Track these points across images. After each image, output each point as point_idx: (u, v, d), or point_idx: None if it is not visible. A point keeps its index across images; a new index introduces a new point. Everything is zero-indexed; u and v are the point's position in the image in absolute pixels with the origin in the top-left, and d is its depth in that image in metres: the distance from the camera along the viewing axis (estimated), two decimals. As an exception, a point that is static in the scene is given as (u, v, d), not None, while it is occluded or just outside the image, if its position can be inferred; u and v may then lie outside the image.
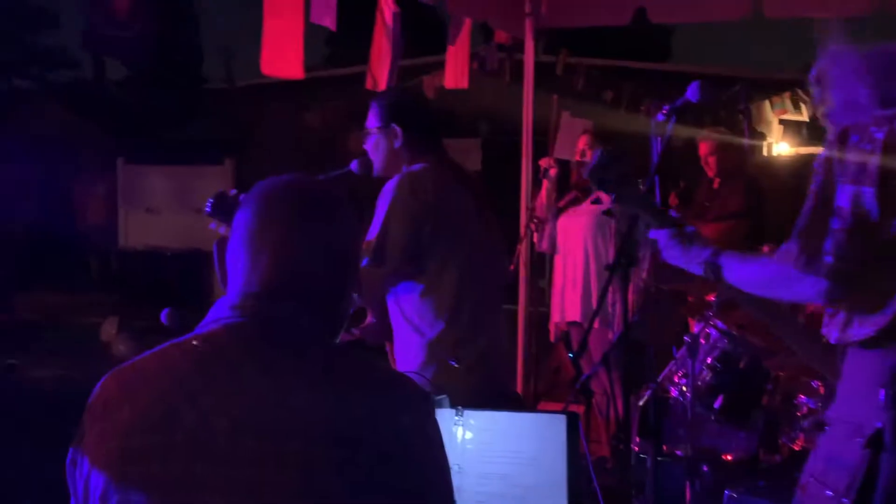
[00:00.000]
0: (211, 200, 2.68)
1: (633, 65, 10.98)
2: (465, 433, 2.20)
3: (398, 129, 2.85)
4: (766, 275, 1.98)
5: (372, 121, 2.93)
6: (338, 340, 1.42)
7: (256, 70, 3.99)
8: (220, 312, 1.32)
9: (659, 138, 2.49)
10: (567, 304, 4.75)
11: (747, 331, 3.33)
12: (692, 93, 2.35)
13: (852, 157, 1.84)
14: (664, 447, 3.42)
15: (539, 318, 5.25)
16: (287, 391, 1.23)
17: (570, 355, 5.26)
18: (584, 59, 7.90)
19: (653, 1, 4.58)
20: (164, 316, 2.55)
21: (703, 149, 5.04)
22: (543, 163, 4.74)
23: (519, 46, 5.60)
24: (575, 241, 4.57)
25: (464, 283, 2.84)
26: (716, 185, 5.02)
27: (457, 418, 2.21)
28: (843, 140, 1.87)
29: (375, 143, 2.92)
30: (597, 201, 4.54)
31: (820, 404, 3.04)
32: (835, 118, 1.92)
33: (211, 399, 1.23)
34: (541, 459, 2.16)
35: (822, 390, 3.04)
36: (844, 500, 1.88)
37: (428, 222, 2.76)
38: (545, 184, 4.69)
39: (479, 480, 2.15)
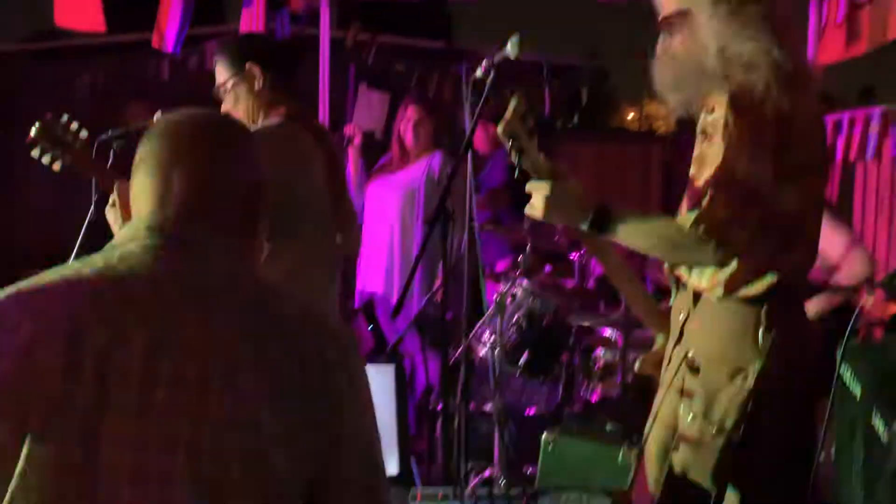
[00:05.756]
0: (38, 123, 2.47)
1: (421, 43, 11.13)
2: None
3: (256, 69, 2.72)
4: (665, 237, 2.02)
5: (222, 73, 2.75)
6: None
7: (14, 33, 3.70)
8: (134, 233, 1.25)
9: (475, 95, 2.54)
10: (370, 274, 4.76)
11: (550, 290, 3.49)
12: (512, 47, 2.41)
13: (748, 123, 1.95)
14: (472, 405, 3.52)
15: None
16: (207, 312, 1.18)
17: (370, 328, 5.30)
18: (375, 35, 7.92)
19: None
20: None
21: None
22: (348, 130, 4.70)
23: (312, 19, 5.55)
24: (382, 210, 4.57)
25: (304, 252, 2.77)
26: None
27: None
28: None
29: (234, 97, 2.75)
30: None
31: (617, 356, 3.24)
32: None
33: (125, 319, 1.15)
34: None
35: (619, 343, 3.24)
36: (732, 437, 2.03)
37: (279, 189, 2.67)
38: (350, 152, 4.67)
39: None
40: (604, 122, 6.66)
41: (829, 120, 4.37)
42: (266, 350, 1.18)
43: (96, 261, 1.23)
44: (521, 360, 3.33)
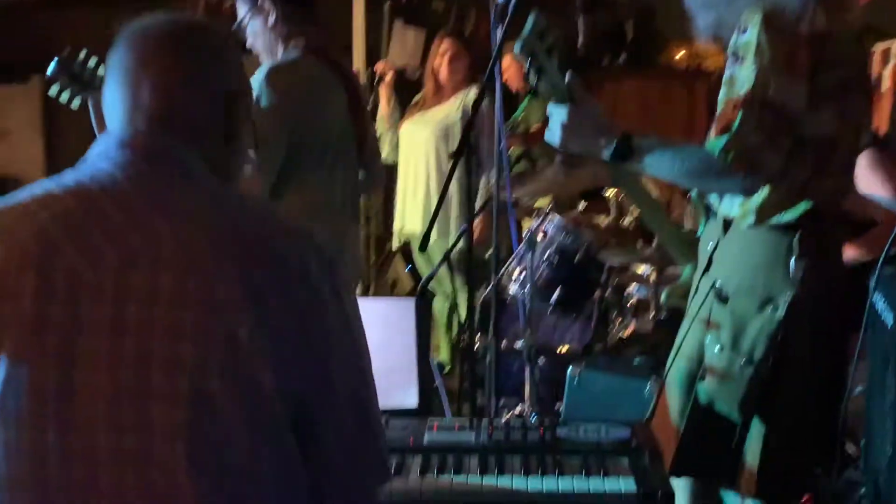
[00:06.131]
0: (56, 59, 2.46)
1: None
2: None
3: (267, 2, 2.67)
4: (693, 165, 1.93)
5: (240, 10, 2.72)
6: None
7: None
8: (104, 148, 1.21)
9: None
10: (407, 214, 4.72)
11: (583, 227, 3.42)
12: None
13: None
14: (504, 342, 3.48)
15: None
16: (180, 227, 1.14)
17: (408, 267, 5.27)
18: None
19: None
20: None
21: None
22: (379, 67, 4.63)
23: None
24: (417, 148, 4.50)
25: (323, 189, 2.74)
26: None
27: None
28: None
29: (252, 32, 2.73)
30: None
31: (651, 293, 3.18)
32: None
33: (96, 238, 1.12)
34: (391, 344, 2.15)
35: (651, 279, 3.17)
36: (760, 368, 1.98)
37: (297, 125, 2.65)
38: (382, 89, 4.60)
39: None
40: (651, 60, 6.49)
41: (878, 49, 4.19)
42: (244, 263, 1.14)
43: (66, 179, 1.20)
44: (553, 298, 3.27)
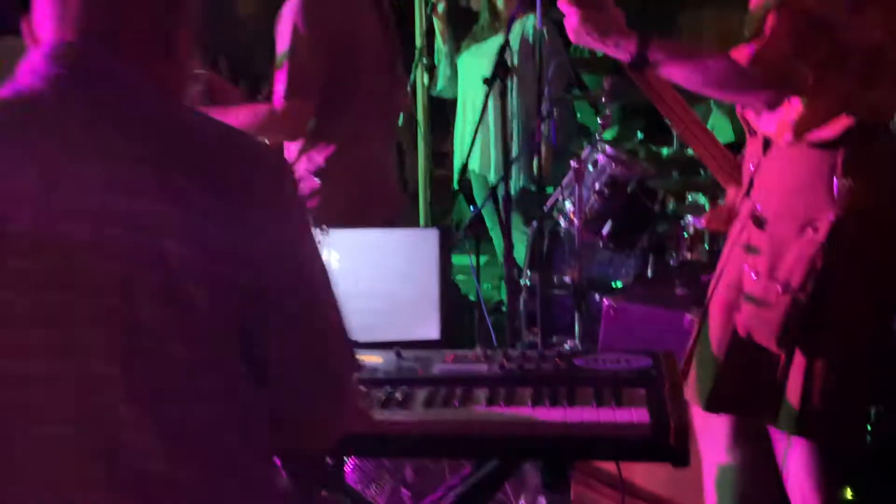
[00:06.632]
0: None
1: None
2: (330, 253, 2.10)
3: None
4: (716, 75, 1.84)
5: None
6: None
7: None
8: (33, 64, 1.15)
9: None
10: (467, 151, 4.62)
11: (635, 156, 3.28)
12: None
13: None
14: (554, 278, 3.40)
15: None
16: (107, 143, 1.08)
17: (471, 207, 5.19)
18: None
19: None
20: None
21: None
22: (433, -5, 4.50)
23: None
24: (475, 81, 4.37)
25: (359, 113, 2.68)
26: None
27: (321, 237, 2.11)
28: None
29: None
30: None
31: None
32: None
33: (18, 155, 1.08)
34: (413, 275, 2.10)
35: (707, 208, 3.03)
36: (799, 297, 1.85)
37: (332, 49, 2.59)
38: (437, 20, 4.48)
39: (347, 299, 2.05)
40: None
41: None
42: (173, 178, 1.07)
43: None
44: (605, 230, 3.16)
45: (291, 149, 2.75)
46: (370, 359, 1.82)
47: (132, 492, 1.05)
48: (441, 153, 5.61)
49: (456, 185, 4.96)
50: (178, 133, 1.13)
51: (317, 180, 2.63)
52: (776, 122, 1.89)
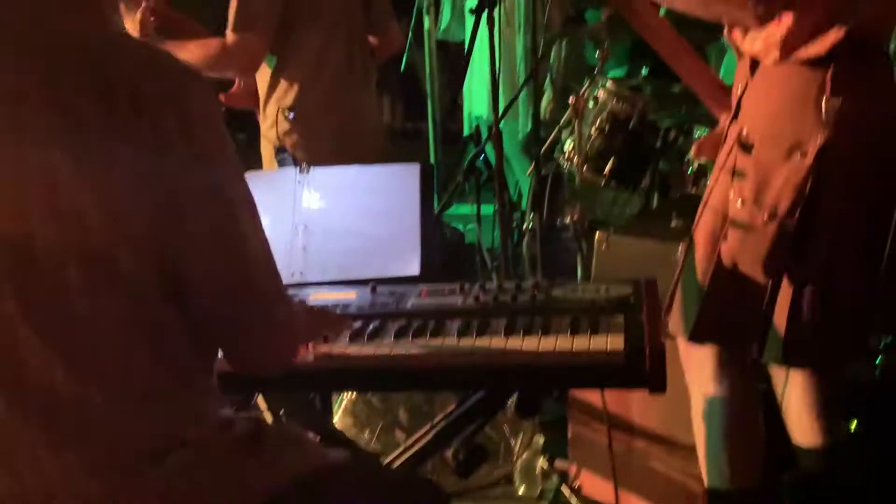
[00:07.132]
0: None
1: None
2: (310, 192, 2.07)
3: None
4: None
5: None
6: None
7: None
8: None
9: None
10: (474, 96, 4.54)
11: (636, 91, 3.19)
12: None
13: None
14: (557, 219, 3.34)
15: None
16: (11, 61, 1.05)
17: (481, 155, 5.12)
18: None
19: None
20: None
21: None
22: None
23: None
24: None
25: (321, 46, 2.65)
26: None
27: (301, 176, 2.08)
28: None
29: None
30: None
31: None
32: None
33: None
34: (394, 211, 2.06)
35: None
36: (786, 223, 1.80)
37: None
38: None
39: (327, 238, 2.04)
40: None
41: None
42: (60, 89, 1.03)
43: None
44: (607, 169, 3.08)
45: (261, 91, 2.73)
46: (344, 295, 1.80)
47: (41, 411, 1.04)
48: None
49: (466, 133, 4.91)
50: (76, 49, 1.08)
51: (288, 121, 2.61)
52: (763, 40, 1.81)
